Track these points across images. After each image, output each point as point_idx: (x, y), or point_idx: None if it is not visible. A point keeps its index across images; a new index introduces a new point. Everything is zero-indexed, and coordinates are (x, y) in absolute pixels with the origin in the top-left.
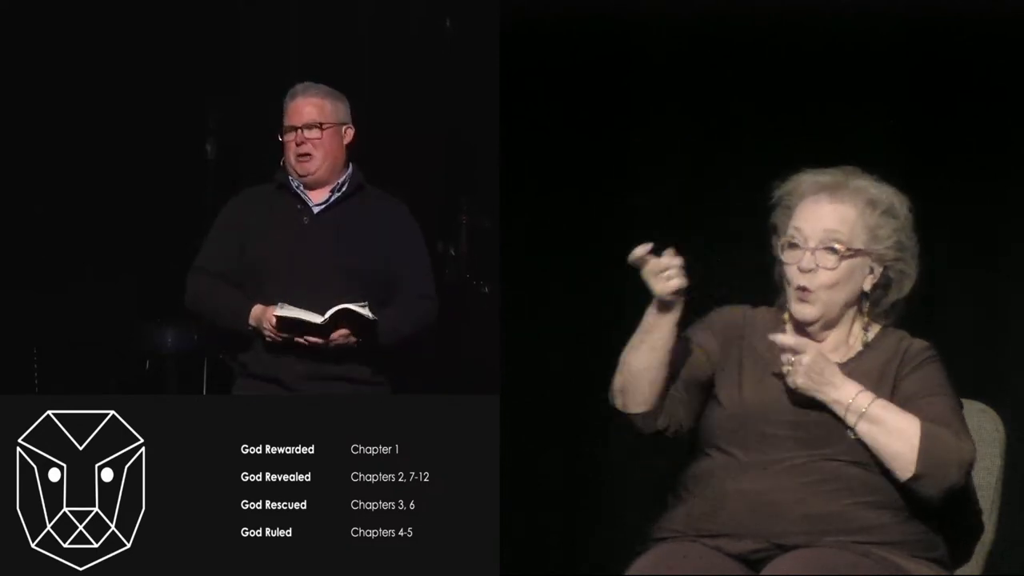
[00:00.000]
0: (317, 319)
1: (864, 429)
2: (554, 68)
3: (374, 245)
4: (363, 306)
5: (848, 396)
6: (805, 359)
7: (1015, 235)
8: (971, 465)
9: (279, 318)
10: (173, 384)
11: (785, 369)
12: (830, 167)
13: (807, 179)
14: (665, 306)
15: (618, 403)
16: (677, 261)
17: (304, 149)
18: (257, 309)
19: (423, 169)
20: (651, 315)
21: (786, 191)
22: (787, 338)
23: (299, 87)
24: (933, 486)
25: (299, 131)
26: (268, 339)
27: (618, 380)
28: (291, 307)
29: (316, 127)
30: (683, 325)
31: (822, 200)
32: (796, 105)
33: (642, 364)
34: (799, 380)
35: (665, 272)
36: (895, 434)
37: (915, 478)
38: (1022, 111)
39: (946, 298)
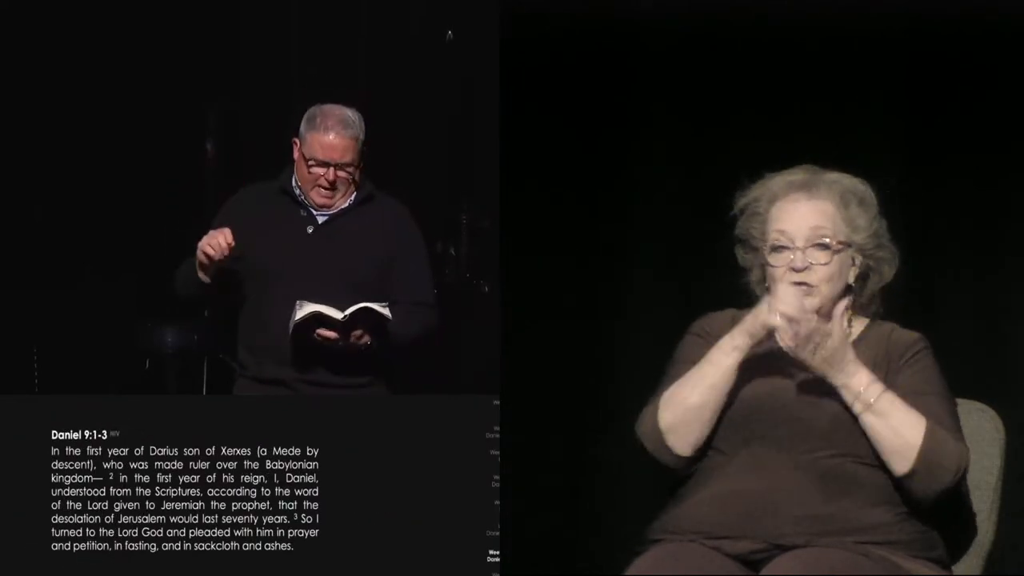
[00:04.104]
0: (337, 315)
1: (869, 420)
2: (554, 68)
3: (376, 252)
4: (384, 306)
5: (859, 385)
6: (833, 340)
7: (1015, 235)
8: (965, 470)
9: (295, 325)
10: (173, 384)
11: (808, 349)
12: (784, 169)
13: (776, 181)
14: (752, 339)
15: (665, 442)
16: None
17: (333, 185)
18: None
19: (423, 169)
20: (725, 349)
21: (752, 198)
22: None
23: (332, 122)
24: (926, 486)
25: (332, 169)
26: (205, 254)
27: (666, 417)
28: (310, 303)
29: (350, 167)
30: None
31: (800, 199)
32: (798, 107)
33: (700, 401)
34: (819, 356)
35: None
36: (899, 430)
37: (909, 475)
38: (1022, 111)
39: (946, 298)
